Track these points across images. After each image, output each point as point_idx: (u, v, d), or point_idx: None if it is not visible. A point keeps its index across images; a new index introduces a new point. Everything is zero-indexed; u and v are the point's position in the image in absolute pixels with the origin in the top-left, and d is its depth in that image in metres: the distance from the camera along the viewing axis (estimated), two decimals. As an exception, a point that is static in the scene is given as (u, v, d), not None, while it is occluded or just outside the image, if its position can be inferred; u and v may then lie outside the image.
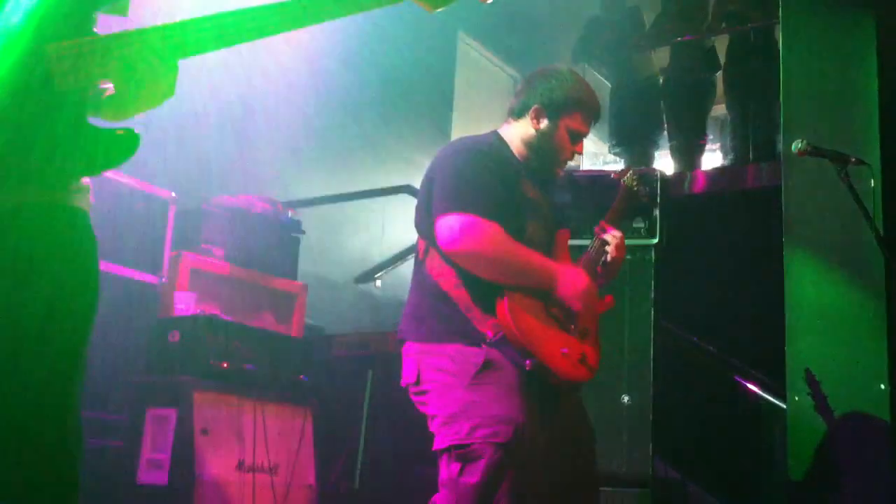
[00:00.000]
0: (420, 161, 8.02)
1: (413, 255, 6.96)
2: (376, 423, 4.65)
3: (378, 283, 7.20)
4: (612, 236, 2.94)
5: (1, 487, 1.76)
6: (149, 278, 4.46)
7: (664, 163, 7.63)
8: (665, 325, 5.39)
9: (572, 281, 2.77)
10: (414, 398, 2.80)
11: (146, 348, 4.13)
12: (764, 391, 5.30)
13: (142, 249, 4.48)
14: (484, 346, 2.67)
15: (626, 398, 3.97)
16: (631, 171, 3.21)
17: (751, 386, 5.39)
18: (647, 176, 4.38)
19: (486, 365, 2.66)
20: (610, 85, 8.08)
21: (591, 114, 2.97)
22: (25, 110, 1.79)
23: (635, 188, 3.16)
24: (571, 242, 3.00)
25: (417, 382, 2.76)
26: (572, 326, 2.78)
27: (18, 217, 1.81)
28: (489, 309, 2.70)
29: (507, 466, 2.57)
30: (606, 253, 2.94)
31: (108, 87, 1.93)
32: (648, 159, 7.41)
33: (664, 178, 4.50)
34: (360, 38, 7.09)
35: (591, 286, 2.81)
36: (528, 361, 2.64)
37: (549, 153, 2.95)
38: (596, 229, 2.96)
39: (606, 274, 2.96)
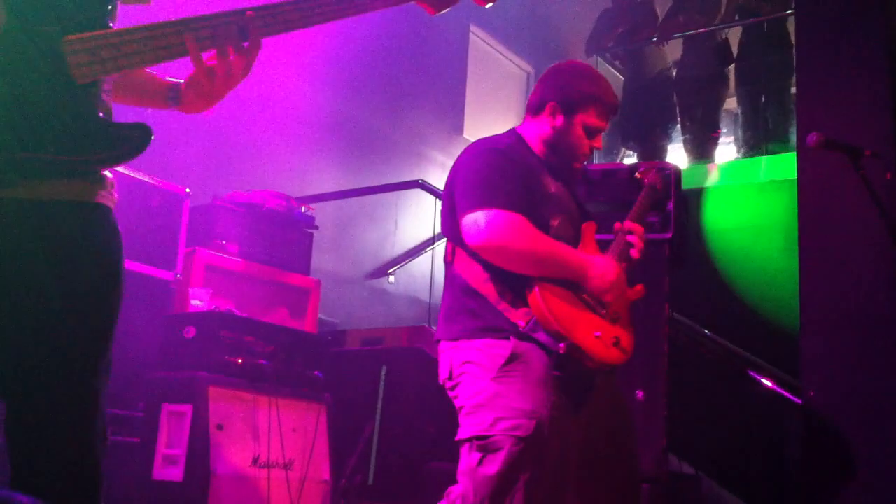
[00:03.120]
0: (432, 156, 8.04)
1: (425, 250, 6.97)
2: (390, 418, 4.65)
3: (391, 278, 7.22)
4: (639, 237, 2.94)
5: (27, 479, 1.77)
6: (163, 274, 4.48)
7: (677, 155, 7.62)
8: (679, 320, 5.38)
9: (602, 272, 2.78)
10: (449, 394, 2.82)
11: (161, 344, 4.14)
12: (778, 386, 5.29)
13: (156, 245, 4.49)
14: (512, 338, 2.69)
15: (639, 393, 3.96)
16: (655, 171, 3.21)
17: (765, 381, 5.37)
18: (662, 171, 4.37)
19: (513, 357, 2.67)
20: (623, 78, 8.07)
21: (606, 108, 2.97)
22: (40, 103, 1.79)
23: (658, 187, 3.16)
24: (590, 237, 3.00)
25: (450, 377, 2.79)
26: (604, 311, 2.79)
27: (44, 213, 1.81)
28: (519, 299, 2.71)
29: (527, 460, 2.58)
30: (629, 251, 2.93)
31: (194, 76, 1.98)
32: (661, 152, 7.40)
33: (678, 173, 4.49)
34: (371, 33, 7.09)
35: (621, 276, 2.83)
36: (561, 345, 2.64)
37: (566, 149, 2.95)
38: (617, 226, 2.96)
39: (630, 267, 2.97)
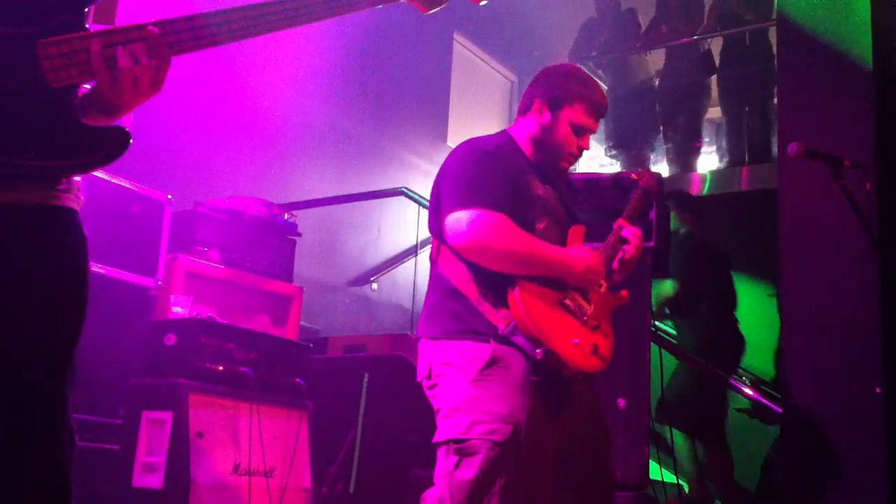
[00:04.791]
0: (416, 164, 8.04)
1: (408, 257, 6.96)
2: (372, 426, 4.64)
3: (374, 285, 7.21)
4: (632, 234, 2.93)
5: None
6: (144, 281, 4.45)
7: (659, 165, 7.65)
8: (660, 329, 5.39)
9: (581, 256, 2.78)
10: (427, 393, 2.82)
11: (142, 351, 4.11)
12: (759, 394, 5.31)
13: (137, 252, 4.46)
14: (492, 341, 2.69)
15: (621, 402, 3.97)
16: (650, 173, 3.21)
17: (746, 389, 5.39)
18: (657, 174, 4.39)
19: (492, 361, 2.67)
20: (606, 87, 8.10)
21: (594, 107, 2.94)
22: (15, 107, 1.77)
23: (653, 190, 3.16)
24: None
25: (429, 377, 2.79)
26: (585, 318, 2.79)
27: (5, 216, 1.79)
28: (501, 301, 2.71)
29: (503, 465, 2.59)
30: (623, 251, 2.92)
31: (98, 84, 1.89)
32: (644, 161, 7.42)
33: (661, 181, 4.50)
34: (355, 40, 7.09)
35: (601, 264, 2.82)
36: (538, 350, 2.64)
37: (552, 147, 2.93)
38: (614, 226, 2.95)
39: (622, 271, 2.95)
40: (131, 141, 1.86)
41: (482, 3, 2.24)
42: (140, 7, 1.99)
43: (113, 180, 4.36)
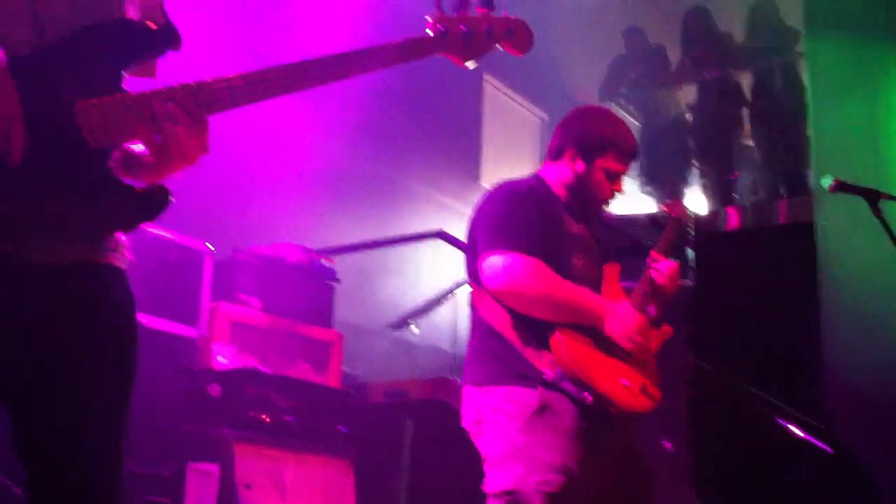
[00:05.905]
0: (450, 205, 8.06)
1: (446, 299, 6.95)
2: (418, 473, 4.62)
3: (413, 328, 7.20)
4: (667, 266, 2.91)
5: None
6: (186, 330, 4.49)
7: (695, 200, 7.62)
8: (701, 366, 5.34)
9: (620, 319, 2.72)
10: (473, 439, 2.80)
11: (186, 401, 4.14)
12: (805, 431, 5.22)
13: (178, 301, 4.51)
14: (540, 388, 2.67)
15: (666, 443, 3.94)
16: (680, 204, 3.20)
17: (791, 427, 5.31)
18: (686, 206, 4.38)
19: (542, 409, 2.65)
20: (638, 123, 8.10)
21: (626, 152, 2.96)
22: (56, 168, 1.79)
23: (685, 222, 3.14)
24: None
25: (475, 423, 2.77)
26: (630, 357, 2.76)
27: (57, 275, 1.82)
28: (544, 344, 2.68)
29: None
30: (658, 284, 2.89)
31: (139, 146, 1.91)
32: (679, 197, 7.39)
33: (696, 218, 4.50)
34: (385, 84, 7.15)
35: (642, 322, 2.75)
36: (587, 395, 2.62)
37: (588, 195, 2.95)
38: (648, 260, 2.93)
39: (660, 305, 2.92)
40: (172, 199, 1.88)
41: (521, 56, 2.24)
42: (179, 64, 2.04)
43: (153, 230, 4.41)
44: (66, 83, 1.81)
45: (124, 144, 1.91)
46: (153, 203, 1.86)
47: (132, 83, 1.96)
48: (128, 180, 1.89)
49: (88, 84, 1.82)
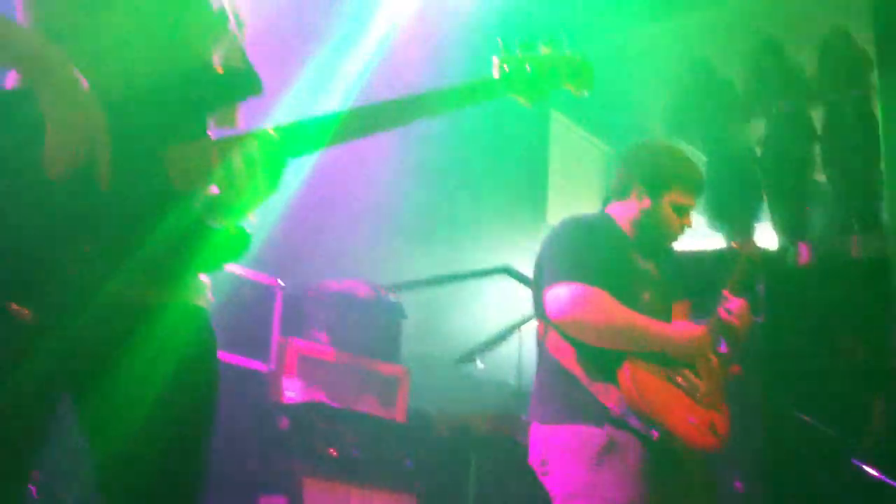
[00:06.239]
0: (517, 240, 8.05)
1: (513, 333, 6.94)
2: (483, 508, 4.61)
3: (480, 363, 7.19)
4: (737, 305, 2.89)
5: None
6: (257, 365, 4.55)
7: (765, 236, 7.51)
8: (776, 405, 5.23)
9: (685, 330, 2.74)
10: (540, 478, 2.80)
11: (256, 435, 4.19)
12: (884, 474, 5.08)
13: (250, 336, 4.57)
14: (607, 425, 2.66)
15: (738, 484, 3.87)
16: (751, 241, 3.18)
17: (869, 469, 5.16)
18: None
19: (609, 447, 2.64)
20: (705, 157, 8.03)
21: (692, 186, 2.95)
22: (145, 211, 1.84)
23: (756, 259, 3.12)
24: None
25: (542, 462, 2.77)
26: (699, 394, 2.74)
27: (146, 316, 1.86)
28: (611, 380, 2.68)
29: None
30: (728, 323, 2.87)
31: (215, 189, 1.93)
32: (749, 232, 7.29)
33: (767, 254, 4.44)
34: (453, 120, 7.20)
35: (706, 338, 2.76)
36: (654, 432, 2.60)
37: (657, 231, 2.95)
38: (720, 298, 2.91)
39: (731, 344, 2.90)
40: (251, 241, 1.93)
41: (585, 95, 2.26)
42: (258, 110, 2.11)
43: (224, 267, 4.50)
44: (154, 127, 1.86)
45: (207, 187, 1.96)
46: (235, 246, 1.91)
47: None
48: (211, 222, 1.94)
49: (175, 129, 1.87)
